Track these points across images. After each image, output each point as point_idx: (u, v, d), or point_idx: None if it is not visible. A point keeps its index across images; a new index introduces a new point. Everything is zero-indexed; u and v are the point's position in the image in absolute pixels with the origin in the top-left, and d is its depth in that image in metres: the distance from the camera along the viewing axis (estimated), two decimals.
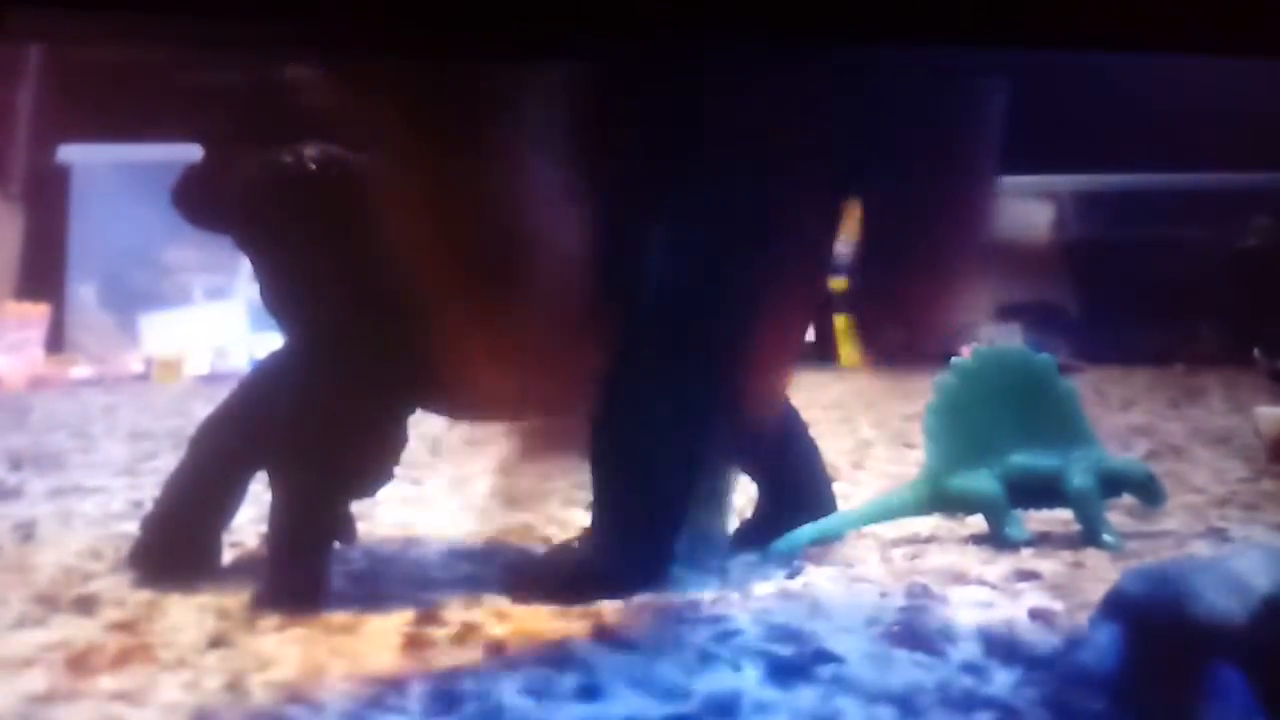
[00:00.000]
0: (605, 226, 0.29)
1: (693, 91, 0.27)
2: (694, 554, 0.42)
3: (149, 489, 0.52)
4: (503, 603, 0.39)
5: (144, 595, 0.40)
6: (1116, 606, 0.30)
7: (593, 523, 0.41)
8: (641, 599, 0.40)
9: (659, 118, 0.28)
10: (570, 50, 0.24)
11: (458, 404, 0.43)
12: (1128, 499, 0.49)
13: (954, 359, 0.48)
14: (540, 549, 0.46)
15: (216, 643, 0.36)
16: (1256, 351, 0.68)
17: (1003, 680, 0.32)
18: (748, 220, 0.32)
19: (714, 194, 0.32)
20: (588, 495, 0.42)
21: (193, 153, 0.42)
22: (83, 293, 1.29)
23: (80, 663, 0.34)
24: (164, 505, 0.43)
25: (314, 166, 0.39)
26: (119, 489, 0.59)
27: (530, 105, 0.24)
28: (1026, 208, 1.26)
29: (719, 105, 0.28)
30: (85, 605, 0.39)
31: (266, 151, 0.39)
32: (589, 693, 0.32)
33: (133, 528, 0.45)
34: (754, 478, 0.47)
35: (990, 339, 1.17)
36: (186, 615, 0.38)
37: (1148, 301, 1.21)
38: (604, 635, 0.36)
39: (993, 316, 1.28)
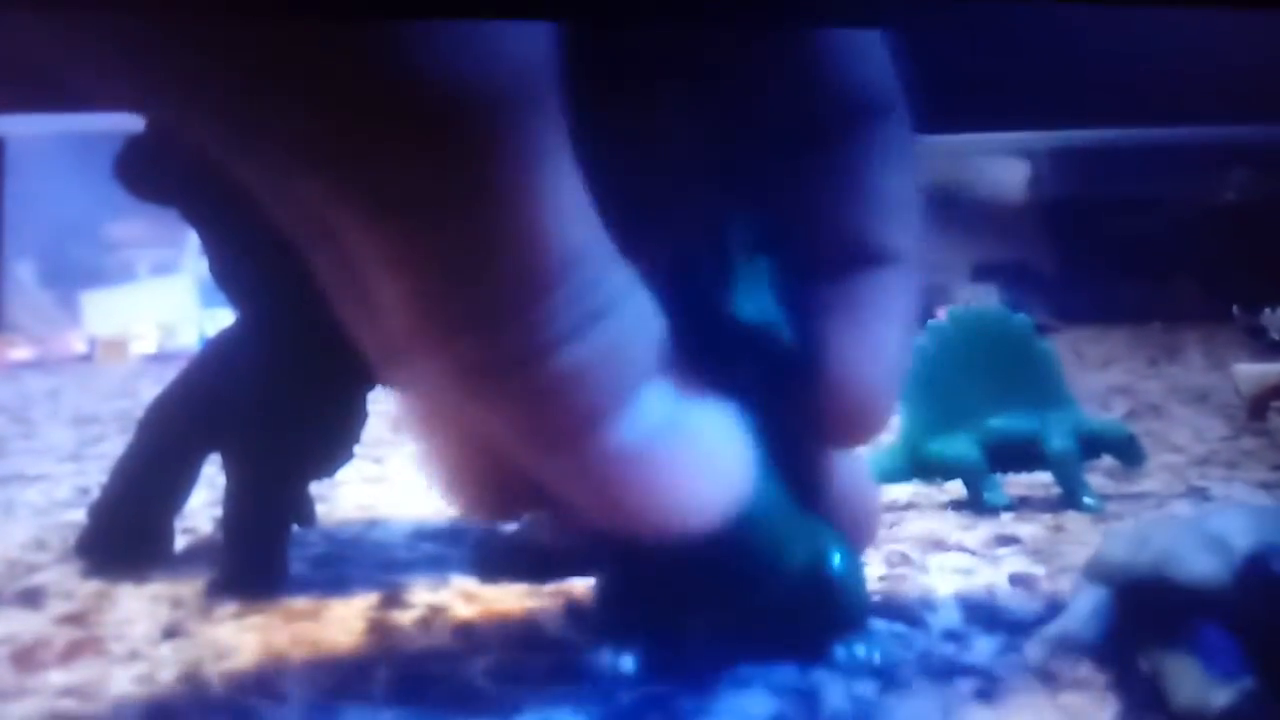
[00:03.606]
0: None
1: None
2: None
3: (96, 475, 0.50)
4: (470, 583, 0.38)
5: (93, 586, 0.39)
6: (1098, 570, 0.29)
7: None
8: None
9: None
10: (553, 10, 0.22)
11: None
12: (1107, 460, 0.49)
13: (930, 321, 0.48)
14: (509, 527, 0.45)
15: (171, 633, 0.35)
16: (1235, 308, 0.67)
17: (984, 647, 0.32)
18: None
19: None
20: None
21: (135, 122, 0.40)
22: (20, 270, 1.26)
23: (27, 658, 0.33)
24: (112, 491, 0.41)
25: None
26: (64, 476, 0.58)
27: (497, 70, 0.23)
28: (1001, 166, 1.25)
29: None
30: (31, 598, 0.38)
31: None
32: (561, 672, 0.31)
33: (80, 516, 0.43)
34: None
35: (966, 300, 1.17)
36: (138, 605, 0.37)
37: (1125, 259, 1.21)
38: (576, 613, 0.35)
39: (968, 277, 1.27)
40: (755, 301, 0.27)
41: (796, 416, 0.28)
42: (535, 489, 0.24)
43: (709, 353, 0.26)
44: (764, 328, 0.27)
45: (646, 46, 0.25)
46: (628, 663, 0.29)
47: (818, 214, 0.27)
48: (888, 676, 0.30)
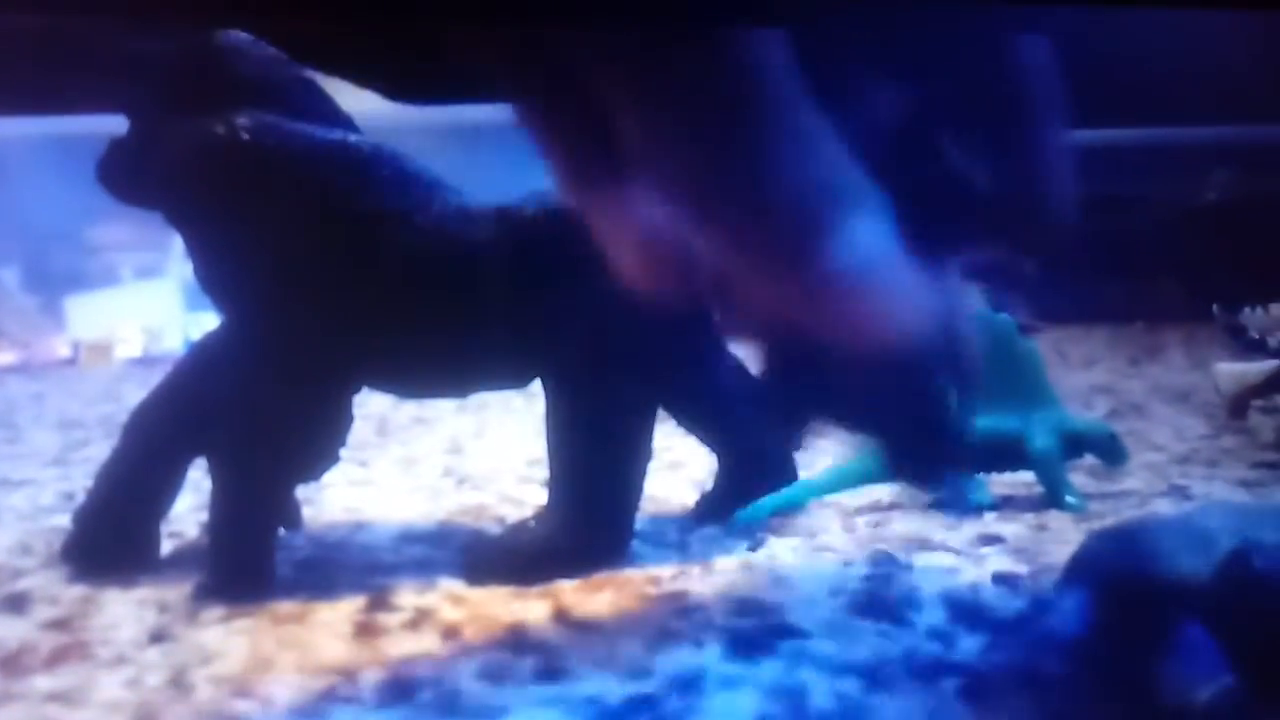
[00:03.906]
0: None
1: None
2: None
3: (81, 480, 0.50)
4: (457, 586, 0.38)
5: (79, 591, 0.39)
6: (1081, 569, 0.30)
7: (550, 499, 0.40)
8: (601, 576, 0.39)
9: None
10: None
11: (406, 381, 0.42)
12: (1089, 459, 0.49)
13: None
14: (495, 529, 0.45)
15: (158, 637, 0.35)
16: (1215, 307, 0.68)
17: (968, 646, 0.32)
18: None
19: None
20: (542, 473, 0.41)
21: (119, 125, 0.40)
22: (3, 275, 1.25)
23: (13, 664, 0.33)
24: (97, 496, 0.41)
25: (247, 136, 0.37)
26: (49, 481, 0.57)
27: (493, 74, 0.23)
28: None
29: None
30: (16, 603, 0.38)
31: (197, 122, 0.38)
32: (549, 675, 0.31)
33: (65, 521, 0.43)
34: (713, 448, 0.46)
35: None
36: (125, 610, 0.37)
37: (1107, 260, 1.21)
38: (563, 615, 0.35)
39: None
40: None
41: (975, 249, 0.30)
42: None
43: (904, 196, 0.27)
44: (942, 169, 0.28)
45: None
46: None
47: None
48: (874, 675, 0.30)
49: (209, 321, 0.42)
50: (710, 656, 0.32)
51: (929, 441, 0.30)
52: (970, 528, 0.44)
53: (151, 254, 1.25)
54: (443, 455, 0.61)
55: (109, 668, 0.32)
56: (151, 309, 1.22)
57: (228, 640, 0.34)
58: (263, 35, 0.38)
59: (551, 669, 0.31)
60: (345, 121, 0.40)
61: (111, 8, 0.21)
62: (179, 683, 0.31)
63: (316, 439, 0.39)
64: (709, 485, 0.47)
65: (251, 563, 0.38)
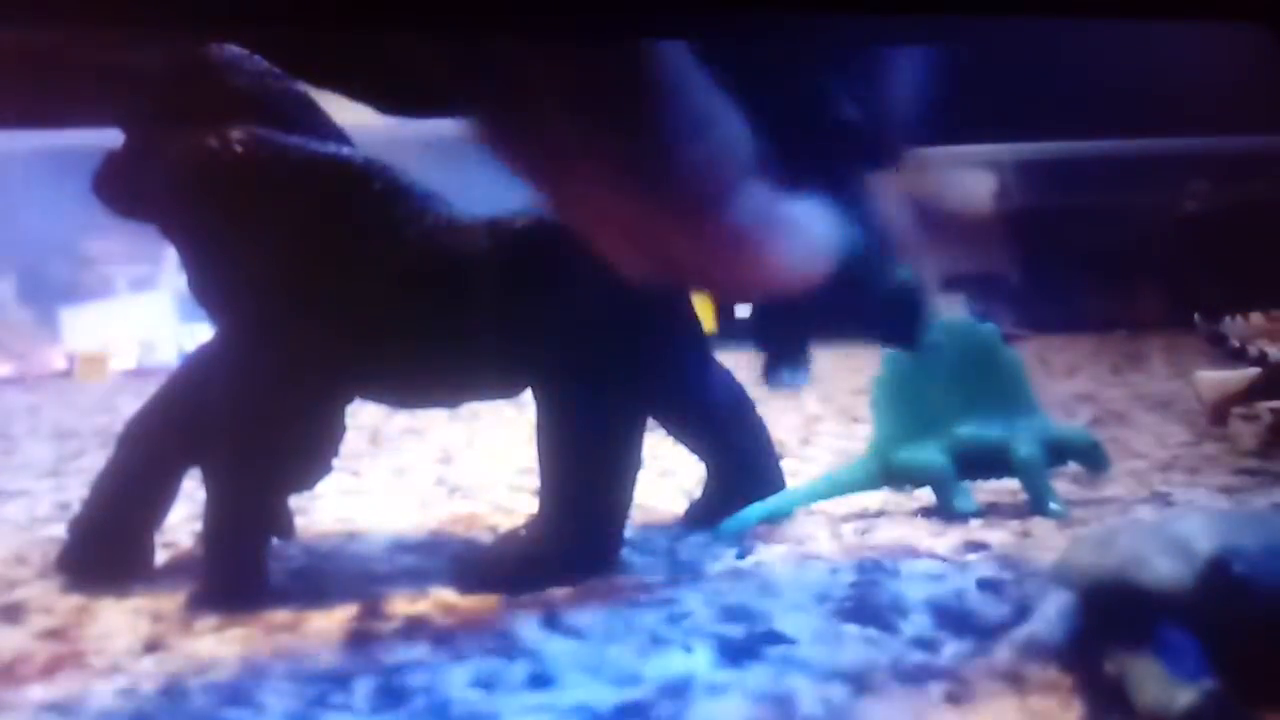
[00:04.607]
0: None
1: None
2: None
3: (76, 490, 0.50)
4: (449, 594, 0.39)
5: (74, 600, 0.39)
6: (1064, 574, 0.30)
7: (541, 508, 0.41)
8: (591, 584, 0.39)
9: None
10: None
11: (398, 392, 0.42)
12: (1073, 467, 0.50)
13: None
14: (487, 538, 0.45)
15: (152, 646, 0.35)
16: (1196, 316, 0.68)
17: (954, 652, 0.32)
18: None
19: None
20: (533, 482, 0.42)
21: (113, 138, 0.40)
22: None
23: (8, 673, 0.33)
24: (92, 506, 0.41)
25: (241, 149, 0.38)
26: (44, 491, 0.58)
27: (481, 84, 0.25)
28: (968, 177, 1.27)
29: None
30: (12, 613, 0.38)
31: (191, 135, 0.38)
32: (539, 681, 0.31)
33: (60, 531, 0.43)
34: (702, 457, 0.46)
35: (934, 311, 1.17)
36: (119, 619, 0.37)
37: (1090, 269, 1.22)
38: (553, 623, 0.36)
39: (937, 288, 1.28)
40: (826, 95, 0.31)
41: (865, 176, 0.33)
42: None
43: (799, 150, 0.30)
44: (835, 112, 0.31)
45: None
46: (801, 377, 0.34)
47: None
48: (861, 682, 0.30)
49: (203, 333, 0.42)
50: (699, 663, 0.32)
51: (894, 312, 0.35)
52: (955, 534, 0.44)
53: (146, 266, 1.25)
54: (434, 465, 0.61)
55: (104, 677, 0.33)
56: (146, 321, 1.22)
57: (222, 648, 0.34)
58: (256, 49, 0.38)
59: (542, 676, 0.32)
60: (338, 135, 0.40)
61: (106, 21, 0.21)
62: (173, 691, 0.31)
63: (309, 449, 0.40)
64: (698, 493, 0.47)
65: (245, 572, 0.39)
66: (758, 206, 0.28)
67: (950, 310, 1.20)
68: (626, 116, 0.27)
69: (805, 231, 0.30)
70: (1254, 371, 0.62)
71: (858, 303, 0.34)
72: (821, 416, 0.74)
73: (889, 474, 0.48)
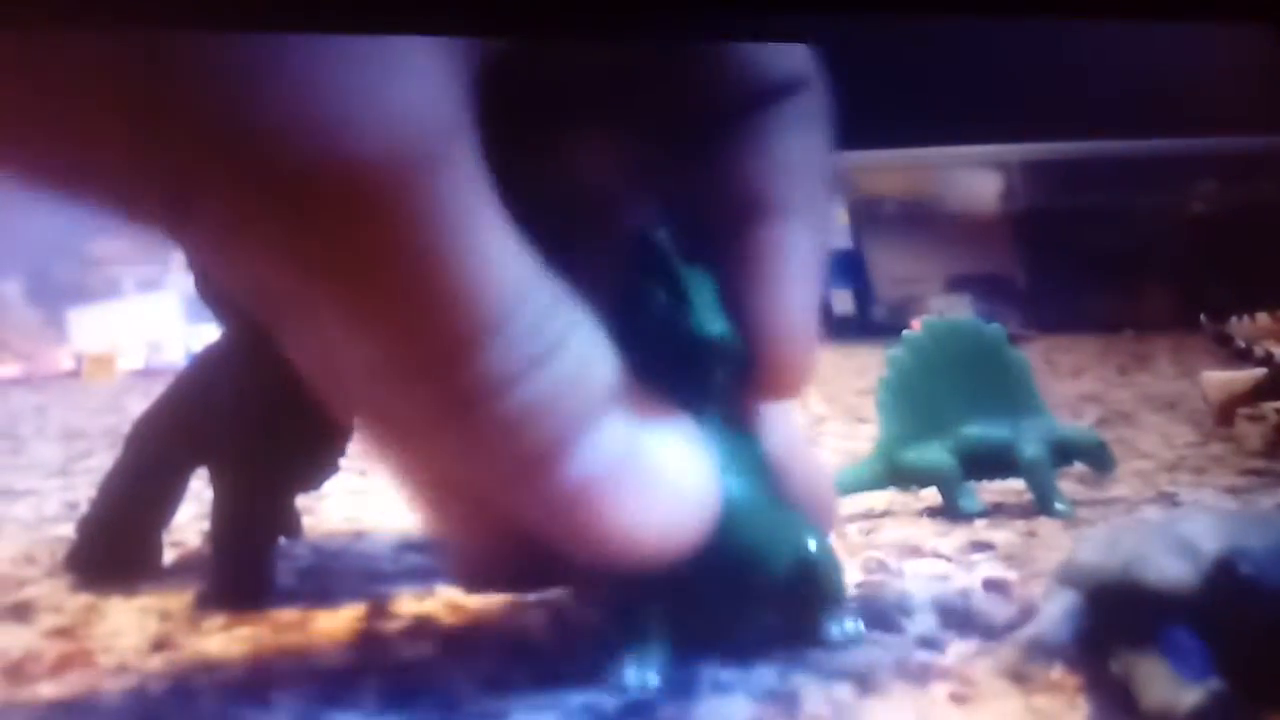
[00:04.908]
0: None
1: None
2: None
3: (84, 490, 0.50)
4: (456, 593, 0.39)
5: (82, 599, 0.39)
6: (1070, 574, 0.30)
7: None
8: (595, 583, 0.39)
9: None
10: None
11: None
12: (1079, 467, 0.50)
13: (905, 332, 0.48)
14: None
15: (160, 645, 0.35)
16: (1203, 316, 0.68)
17: (959, 652, 0.32)
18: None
19: None
20: None
21: None
22: (6, 289, 1.26)
23: (17, 672, 0.33)
24: (100, 506, 0.41)
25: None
26: (52, 491, 0.58)
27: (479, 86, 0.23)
28: (974, 178, 1.26)
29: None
30: (20, 612, 0.38)
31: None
32: (547, 681, 0.31)
33: (68, 530, 0.43)
34: None
35: (940, 311, 1.17)
36: (128, 618, 0.37)
37: (1096, 269, 1.22)
38: (563, 623, 0.36)
39: (942, 288, 1.28)
40: (701, 307, 0.28)
41: (749, 405, 0.29)
42: (535, 563, 0.25)
43: (666, 366, 0.27)
44: (713, 331, 0.28)
45: (555, 63, 0.26)
46: (652, 678, 0.30)
47: (721, 176, 0.27)
48: (866, 682, 0.30)
49: (210, 333, 0.42)
50: (704, 663, 0.32)
51: (794, 593, 0.31)
52: (961, 534, 0.44)
53: (153, 267, 1.26)
54: None
55: (112, 675, 0.33)
56: (153, 321, 1.22)
57: (229, 648, 0.34)
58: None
59: (549, 676, 0.32)
60: None
61: (109, 20, 0.21)
62: (181, 690, 0.32)
63: (316, 449, 0.40)
64: None
65: (252, 571, 0.39)
66: (609, 453, 0.23)
67: (956, 311, 1.20)
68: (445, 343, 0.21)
69: (674, 484, 0.24)
70: (1261, 372, 0.62)
71: (744, 583, 0.29)
72: (827, 417, 0.74)
73: (895, 474, 0.48)
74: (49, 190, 0.22)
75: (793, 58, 0.28)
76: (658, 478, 0.24)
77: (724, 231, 0.28)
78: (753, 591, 0.30)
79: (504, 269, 0.21)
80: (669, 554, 0.25)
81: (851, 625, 0.32)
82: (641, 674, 0.30)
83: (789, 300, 0.28)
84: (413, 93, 0.20)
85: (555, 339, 0.22)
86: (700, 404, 0.28)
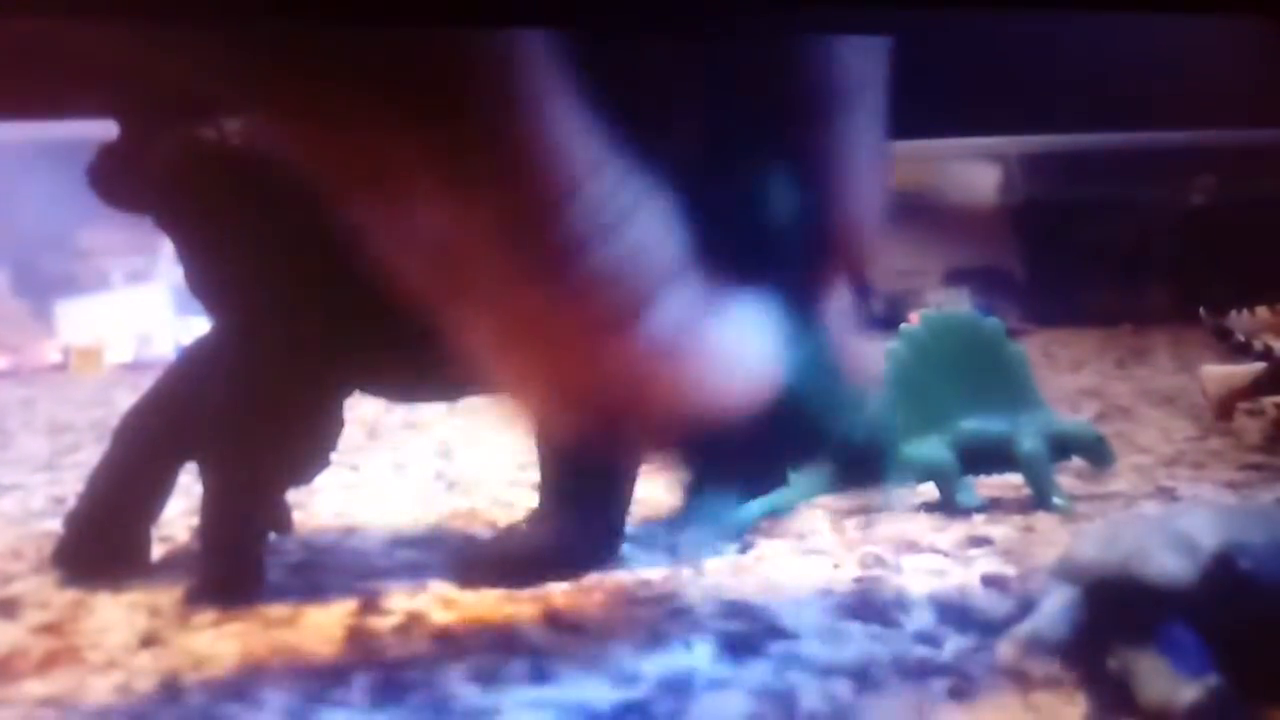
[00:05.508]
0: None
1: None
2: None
3: (71, 484, 0.50)
4: (448, 589, 0.39)
5: (70, 595, 0.39)
6: (1068, 570, 0.30)
7: (541, 502, 0.41)
8: (592, 579, 0.39)
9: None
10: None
11: (397, 386, 0.42)
12: (1077, 461, 0.49)
13: (902, 326, 0.48)
14: (486, 533, 0.45)
15: (149, 642, 0.35)
16: (1202, 310, 0.68)
17: (956, 648, 0.32)
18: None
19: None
20: (532, 476, 0.41)
21: (109, 129, 0.40)
22: None
23: (3, 669, 0.33)
24: (88, 501, 0.41)
25: (237, 141, 0.37)
26: (39, 485, 0.57)
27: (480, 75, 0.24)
28: (972, 170, 1.26)
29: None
30: (7, 608, 0.38)
31: (187, 126, 0.38)
32: (540, 677, 0.31)
33: (55, 525, 0.43)
34: None
35: (938, 304, 1.17)
36: (116, 614, 0.37)
37: (1095, 263, 1.22)
38: (554, 618, 0.36)
39: (940, 281, 1.28)
40: (776, 184, 0.28)
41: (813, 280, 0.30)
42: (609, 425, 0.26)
43: (738, 243, 0.27)
44: (788, 207, 0.28)
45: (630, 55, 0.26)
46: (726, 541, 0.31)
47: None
48: (864, 677, 0.30)
49: (199, 326, 0.42)
50: (700, 658, 0.32)
51: (852, 451, 0.30)
52: (959, 530, 0.44)
53: (142, 259, 1.25)
54: (433, 459, 0.61)
55: (100, 672, 0.32)
56: (142, 314, 1.22)
57: (219, 643, 0.34)
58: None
59: (542, 672, 0.32)
60: None
61: (103, 11, 0.21)
62: (170, 687, 0.31)
63: (307, 443, 0.39)
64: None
65: (242, 567, 0.38)
66: (680, 318, 0.24)
67: (954, 304, 1.20)
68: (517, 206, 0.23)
69: (741, 349, 0.25)
70: (1260, 366, 0.62)
71: (807, 440, 0.29)
72: None
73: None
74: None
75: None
76: (723, 343, 0.26)
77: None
78: (814, 449, 0.31)
79: (579, 145, 0.23)
80: (735, 410, 0.26)
81: (901, 486, 0.32)
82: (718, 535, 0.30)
83: (859, 176, 0.28)
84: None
85: (623, 211, 0.23)
86: (767, 276, 0.28)
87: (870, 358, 0.33)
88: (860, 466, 0.32)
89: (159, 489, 0.41)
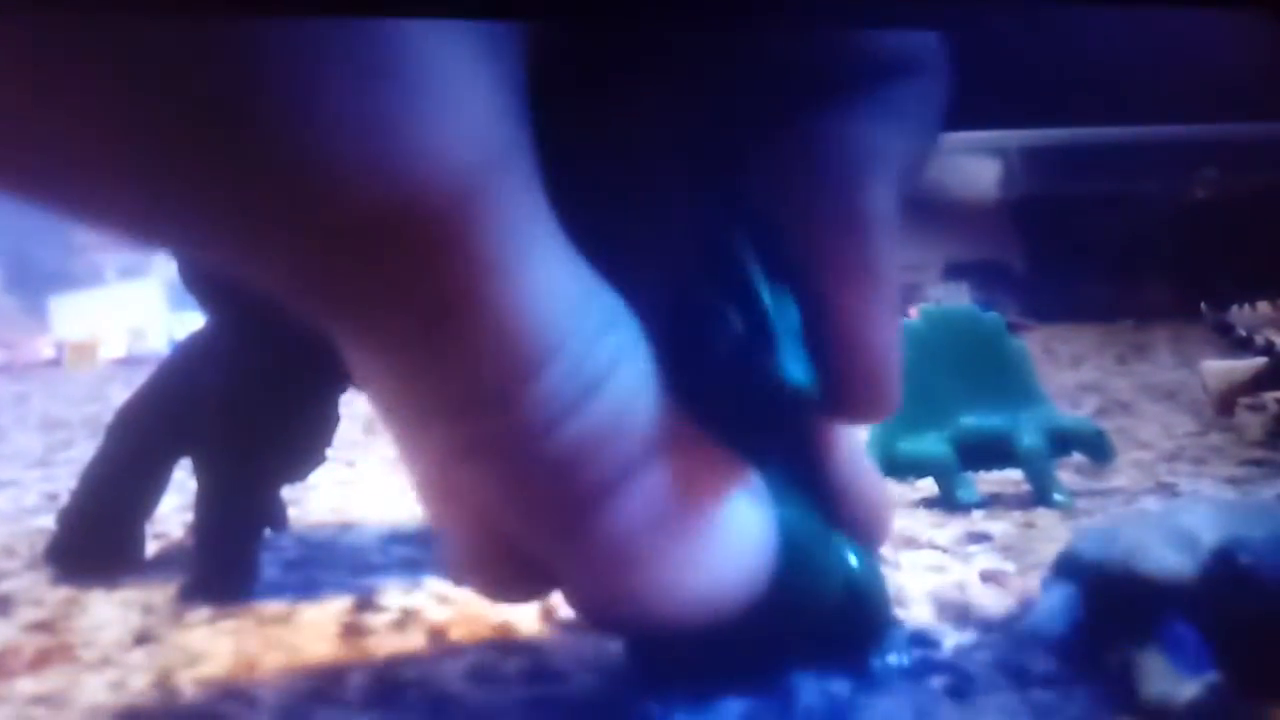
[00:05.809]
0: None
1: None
2: None
3: (65, 480, 0.50)
4: (444, 586, 0.38)
5: (63, 592, 0.39)
6: (1068, 566, 0.30)
7: None
8: None
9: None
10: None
11: None
12: (1077, 457, 0.49)
13: (902, 320, 0.48)
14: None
15: (142, 639, 0.34)
16: (1203, 305, 0.68)
17: (955, 644, 0.32)
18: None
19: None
20: None
21: None
22: None
23: None
24: (82, 497, 0.41)
25: None
26: (32, 482, 0.57)
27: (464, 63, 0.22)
28: (972, 164, 1.26)
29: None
30: None
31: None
32: (536, 676, 0.31)
33: (48, 522, 0.43)
34: None
35: (938, 299, 1.17)
36: (109, 612, 0.37)
37: (1095, 257, 1.22)
38: (551, 615, 0.35)
39: (940, 276, 1.28)
40: (783, 342, 0.25)
41: (808, 430, 0.27)
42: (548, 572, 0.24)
43: (731, 407, 0.24)
44: (795, 379, 0.25)
45: (619, 48, 0.25)
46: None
47: (806, 170, 0.25)
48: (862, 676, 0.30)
49: (193, 321, 0.41)
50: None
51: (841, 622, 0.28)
52: (958, 525, 0.44)
53: (135, 254, 1.25)
54: None
55: (93, 670, 0.32)
56: (136, 309, 1.22)
57: (213, 641, 0.34)
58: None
59: (539, 670, 0.31)
60: None
61: (98, 5, 0.21)
62: (164, 684, 0.31)
63: (303, 439, 0.39)
64: None
65: (237, 563, 0.38)
66: (654, 503, 0.21)
67: (954, 299, 1.19)
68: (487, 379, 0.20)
69: (725, 541, 0.22)
70: (1261, 361, 0.62)
71: (791, 625, 0.27)
72: None
73: (891, 465, 0.48)
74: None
75: (907, 41, 0.25)
76: (707, 534, 0.22)
77: (806, 238, 0.25)
78: (795, 628, 0.28)
79: (552, 301, 0.20)
80: (712, 616, 0.22)
81: (896, 658, 0.29)
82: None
83: (882, 319, 0.25)
84: (464, 119, 0.18)
85: (602, 370, 0.20)
86: (763, 444, 0.25)
87: (875, 497, 0.30)
88: (849, 636, 0.29)
89: (153, 485, 0.41)
